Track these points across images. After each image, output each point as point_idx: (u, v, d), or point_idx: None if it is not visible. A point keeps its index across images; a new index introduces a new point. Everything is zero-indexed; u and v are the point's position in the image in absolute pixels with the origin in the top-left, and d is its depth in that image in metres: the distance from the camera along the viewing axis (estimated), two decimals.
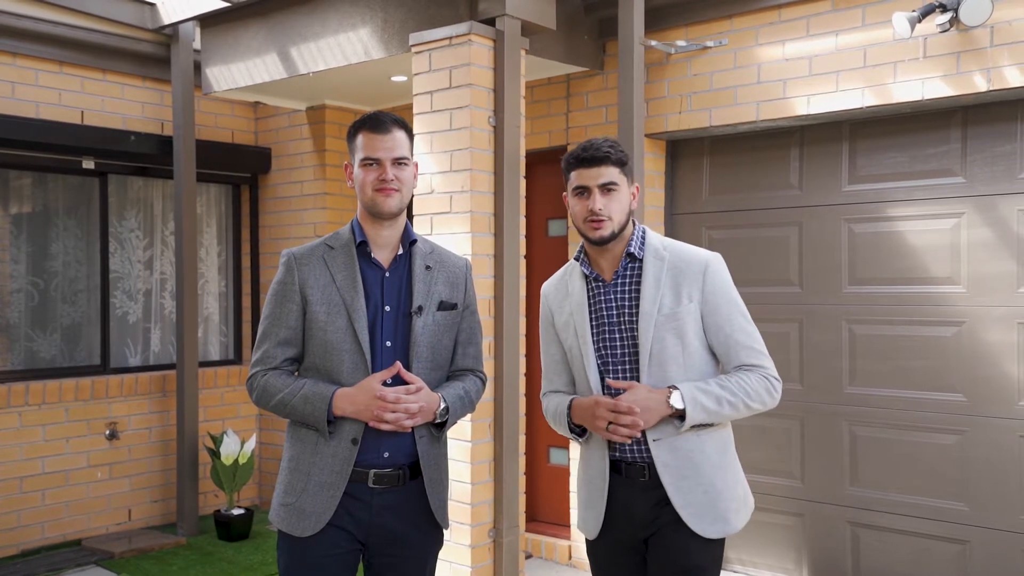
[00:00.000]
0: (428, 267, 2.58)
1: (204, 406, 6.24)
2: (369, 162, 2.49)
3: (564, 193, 2.62)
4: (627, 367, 2.53)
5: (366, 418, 2.40)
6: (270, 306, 2.54)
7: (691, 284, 2.49)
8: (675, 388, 2.43)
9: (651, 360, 2.47)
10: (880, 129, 4.50)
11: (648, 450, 2.48)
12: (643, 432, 2.45)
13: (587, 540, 2.64)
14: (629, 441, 2.45)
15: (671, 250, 2.55)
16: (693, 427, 2.45)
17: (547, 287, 2.75)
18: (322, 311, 2.48)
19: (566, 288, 2.66)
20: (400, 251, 2.57)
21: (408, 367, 2.48)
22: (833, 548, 4.64)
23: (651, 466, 2.48)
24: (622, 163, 2.52)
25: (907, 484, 4.41)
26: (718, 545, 2.51)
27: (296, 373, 2.57)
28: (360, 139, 2.50)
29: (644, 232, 2.60)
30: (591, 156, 2.49)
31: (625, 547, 2.57)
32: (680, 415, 2.42)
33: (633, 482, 2.51)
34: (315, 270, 2.51)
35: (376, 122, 2.49)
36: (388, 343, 2.49)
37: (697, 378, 2.49)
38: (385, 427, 2.39)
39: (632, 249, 2.54)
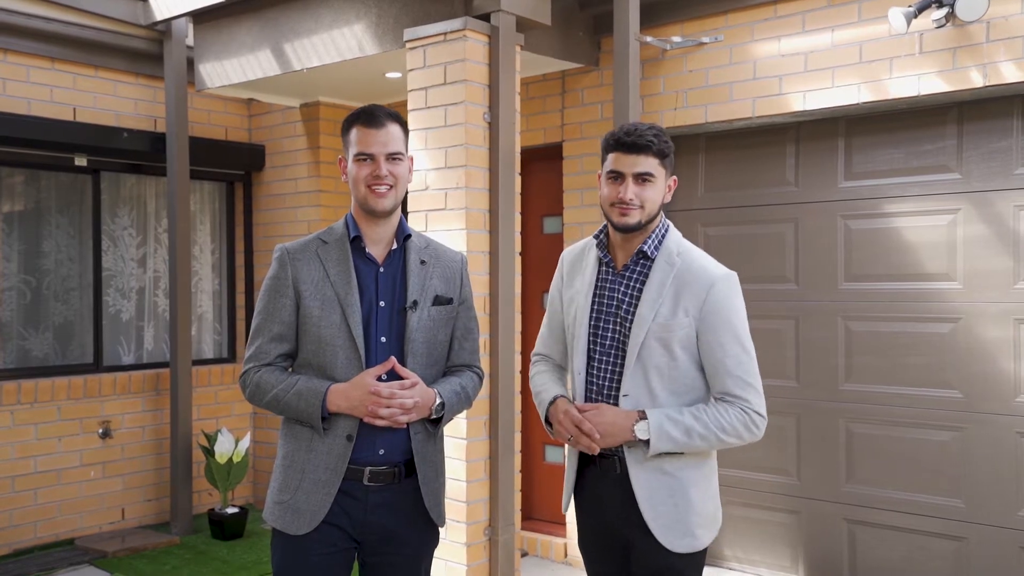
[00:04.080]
0: (423, 262, 2.55)
1: (198, 404, 6.20)
2: (363, 157, 2.45)
3: (599, 172, 2.52)
4: (611, 360, 2.50)
5: (361, 414, 2.37)
6: (263, 301, 2.51)
7: (691, 299, 2.39)
8: (644, 417, 2.36)
9: (636, 364, 2.42)
10: (876, 125, 4.49)
11: (622, 447, 2.44)
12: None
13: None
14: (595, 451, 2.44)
15: (684, 258, 2.45)
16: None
17: (568, 254, 2.69)
18: (316, 306, 2.45)
19: (582, 263, 2.62)
20: (394, 246, 2.54)
21: (403, 363, 2.44)
22: (830, 545, 4.63)
23: (623, 461, 2.45)
24: (663, 154, 2.41)
25: (904, 481, 4.41)
26: (698, 553, 2.46)
27: (290, 369, 2.54)
28: (354, 133, 2.47)
29: (667, 231, 2.50)
30: (632, 142, 2.39)
31: (600, 536, 2.56)
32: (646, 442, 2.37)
33: (605, 474, 2.50)
34: (309, 265, 2.48)
35: (370, 116, 2.46)
36: (383, 339, 2.46)
37: (682, 391, 2.43)
38: (380, 423, 2.36)
39: (646, 247, 2.46)
